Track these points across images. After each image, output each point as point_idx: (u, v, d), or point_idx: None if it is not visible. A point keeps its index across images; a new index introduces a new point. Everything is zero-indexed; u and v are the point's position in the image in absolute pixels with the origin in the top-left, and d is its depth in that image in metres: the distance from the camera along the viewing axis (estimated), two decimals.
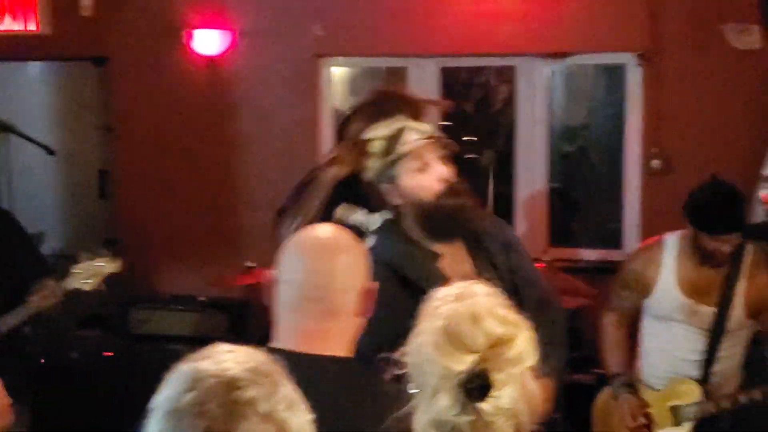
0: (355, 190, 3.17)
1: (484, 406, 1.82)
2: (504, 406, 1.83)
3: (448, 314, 1.89)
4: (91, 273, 4.31)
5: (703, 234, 4.01)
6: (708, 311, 4.13)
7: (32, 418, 4.54)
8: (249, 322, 6.39)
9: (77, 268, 4.30)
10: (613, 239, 6.63)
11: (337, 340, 2.27)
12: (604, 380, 4.45)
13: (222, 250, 6.81)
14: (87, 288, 4.32)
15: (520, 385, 1.86)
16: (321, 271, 2.26)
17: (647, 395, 4.26)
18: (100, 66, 7.12)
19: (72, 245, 6.99)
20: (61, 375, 5.83)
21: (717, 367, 4.17)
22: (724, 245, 4.00)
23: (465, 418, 1.82)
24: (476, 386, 1.81)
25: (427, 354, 1.86)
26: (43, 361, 5.54)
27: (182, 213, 6.99)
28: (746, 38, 6.03)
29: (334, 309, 2.26)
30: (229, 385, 1.55)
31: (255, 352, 1.66)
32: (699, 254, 4.07)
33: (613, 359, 4.38)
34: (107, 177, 7.17)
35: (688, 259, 4.14)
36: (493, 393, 1.82)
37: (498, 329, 1.85)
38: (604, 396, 4.42)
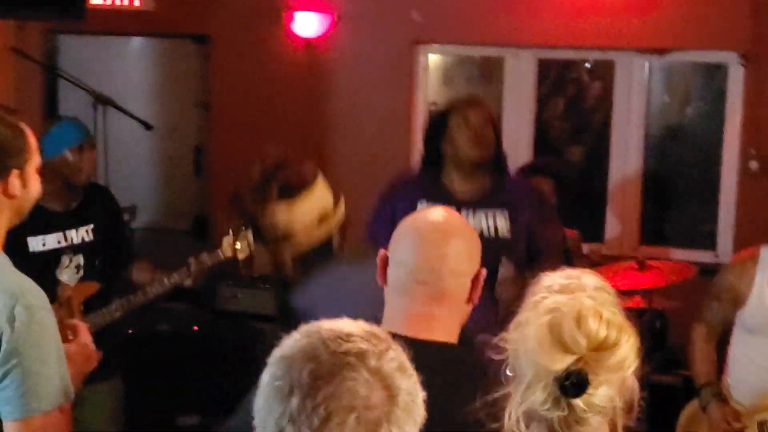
0: None
1: (578, 402, 1.80)
2: (598, 404, 1.81)
3: (553, 309, 1.85)
4: (245, 242, 4.37)
5: None
6: None
7: (124, 388, 4.63)
8: None
9: (229, 238, 4.37)
10: (707, 240, 6.54)
11: (444, 326, 2.24)
12: (690, 384, 4.38)
13: None
14: (242, 256, 4.38)
15: (618, 385, 1.83)
16: (432, 254, 2.23)
17: (738, 408, 4.19)
18: (201, 44, 7.21)
19: (164, 220, 7.11)
20: (149, 346, 5.93)
21: None
22: None
23: (557, 413, 1.81)
24: (572, 384, 1.79)
25: (527, 347, 1.84)
26: (131, 331, 5.63)
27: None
28: None
29: (443, 293, 2.23)
30: (342, 337, 1.58)
31: (376, 326, 1.68)
32: None
33: (701, 369, 4.31)
34: (202, 154, 7.27)
35: None
36: (589, 391, 1.80)
37: (602, 332, 1.81)
38: (691, 407, 4.36)
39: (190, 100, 7.29)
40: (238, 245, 4.33)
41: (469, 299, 2.28)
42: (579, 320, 1.82)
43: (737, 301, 4.17)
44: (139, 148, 7.18)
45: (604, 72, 6.78)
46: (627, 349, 1.82)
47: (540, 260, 4.02)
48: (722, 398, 4.20)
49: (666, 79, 6.86)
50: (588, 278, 1.93)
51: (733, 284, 4.19)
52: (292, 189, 4.13)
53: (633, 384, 1.87)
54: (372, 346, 1.58)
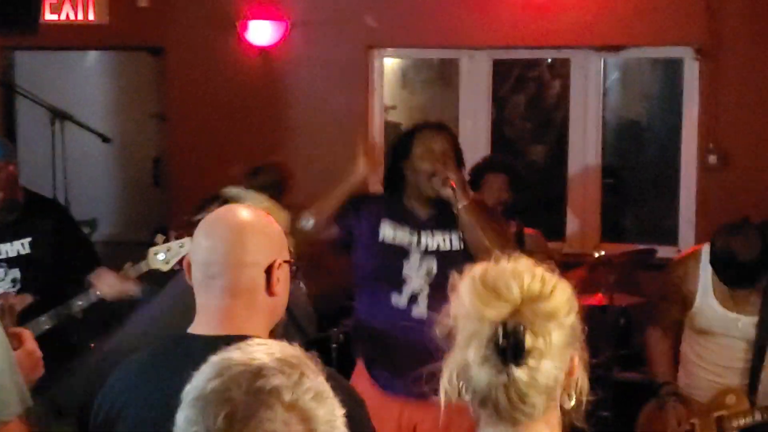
0: None
1: (520, 372, 1.78)
2: (541, 381, 1.80)
3: (489, 268, 1.89)
4: (171, 253, 4.32)
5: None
6: (749, 321, 4.07)
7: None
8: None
9: (157, 249, 4.32)
10: (668, 236, 6.57)
11: (245, 320, 2.23)
12: (652, 382, 4.40)
13: None
14: (166, 268, 4.33)
15: (563, 362, 1.83)
16: (219, 247, 2.23)
17: (695, 405, 4.21)
18: (156, 55, 7.19)
19: (125, 232, 7.07)
20: None
21: (762, 377, 4.11)
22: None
23: (498, 380, 1.79)
24: (510, 343, 1.78)
25: (464, 301, 1.85)
26: (93, 346, 5.58)
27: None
28: None
29: (234, 286, 2.22)
30: (255, 374, 1.55)
31: (287, 345, 1.65)
32: None
33: (659, 369, 4.34)
34: (161, 165, 7.24)
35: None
36: (530, 360, 1.79)
37: (535, 284, 1.83)
38: (650, 406, 4.38)
39: (147, 112, 7.27)
40: (162, 256, 4.27)
41: (269, 291, 2.26)
42: (514, 273, 1.85)
43: (685, 301, 4.20)
44: (98, 162, 7.14)
45: (563, 69, 6.81)
46: (560, 300, 1.84)
47: None
48: (680, 397, 4.22)
49: (622, 76, 6.89)
50: (521, 257, 1.94)
51: (679, 284, 4.22)
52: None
53: (583, 378, 1.87)
54: (286, 378, 1.55)
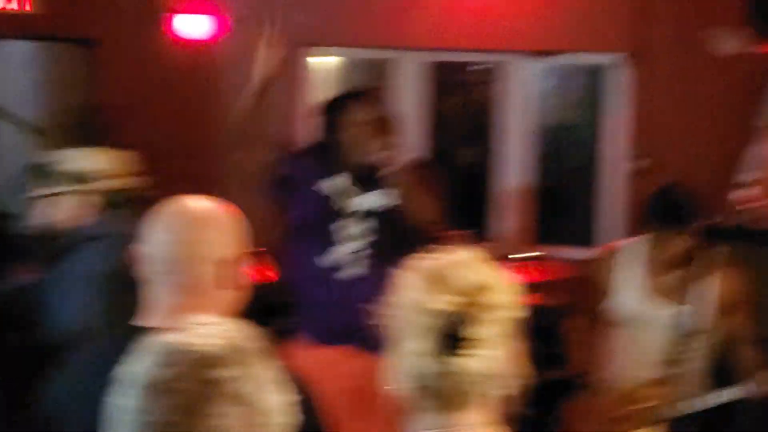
0: None
1: (464, 362, 1.81)
2: (480, 370, 1.82)
3: (432, 260, 1.91)
4: None
5: (651, 231, 4.10)
6: (672, 312, 4.14)
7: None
8: None
9: None
10: (594, 238, 6.64)
11: (203, 315, 2.19)
12: (573, 380, 4.45)
13: None
14: None
15: (505, 350, 1.85)
16: (179, 242, 2.18)
17: (616, 398, 4.27)
18: (87, 47, 7.10)
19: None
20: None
21: (684, 368, 4.18)
22: (671, 242, 4.05)
23: (438, 369, 1.81)
24: (454, 333, 1.80)
25: (407, 291, 1.87)
26: None
27: (162, 193, 6.96)
28: (730, 43, 6.05)
29: (194, 282, 2.18)
30: (203, 364, 1.54)
31: (239, 329, 1.64)
32: (658, 255, 4.11)
33: (581, 363, 4.39)
34: None
35: (652, 260, 4.17)
36: (473, 350, 1.81)
37: (479, 276, 1.86)
38: (572, 399, 4.43)
39: (77, 104, 7.17)
40: None
41: (229, 286, 2.22)
42: (457, 265, 1.87)
43: (605, 292, 4.27)
44: (27, 153, 7.03)
45: (498, 74, 6.86)
46: (503, 293, 1.87)
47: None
48: (602, 390, 4.27)
49: (554, 81, 6.96)
50: (466, 250, 1.97)
51: (600, 276, 4.29)
52: None
53: (525, 366, 1.90)
54: (234, 369, 1.55)
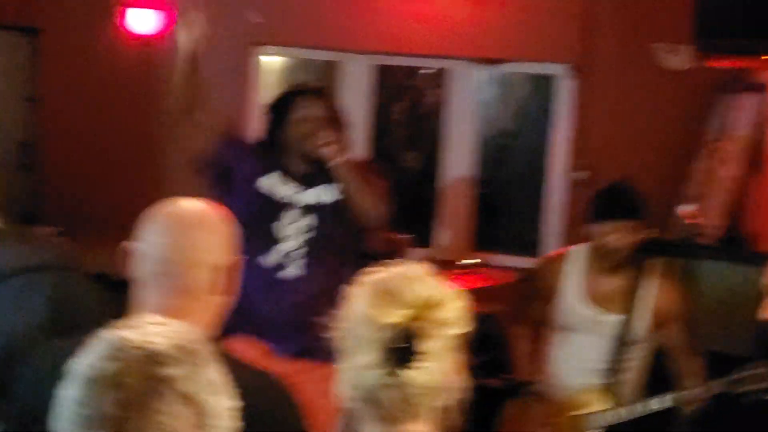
0: None
1: (409, 374, 1.82)
2: (427, 383, 1.84)
3: (384, 273, 1.91)
4: None
5: (596, 225, 4.12)
6: (612, 320, 4.19)
7: None
8: None
9: None
10: (536, 248, 6.70)
11: (194, 319, 2.13)
12: (514, 386, 4.48)
13: None
14: None
15: (449, 363, 1.86)
16: (174, 244, 2.17)
17: (555, 404, 4.31)
18: (30, 36, 7.01)
19: None
20: None
21: (622, 376, 4.23)
22: (615, 235, 4.08)
23: (385, 381, 1.82)
24: (402, 347, 1.81)
25: (357, 305, 1.88)
26: None
27: (106, 189, 6.91)
28: (676, 58, 6.13)
29: (187, 285, 2.17)
30: (151, 360, 1.52)
31: (184, 327, 1.62)
32: (602, 259, 4.16)
33: (521, 368, 4.42)
34: (29, 149, 7.06)
35: (592, 268, 4.22)
36: (418, 362, 1.82)
37: (429, 291, 1.87)
38: (512, 404, 4.46)
39: (18, 95, 7.07)
40: None
41: (221, 291, 2.23)
42: (407, 279, 1.88)
43: (549, 299, 4.30)
44: None
45: (442, 79, 6.90)
46: (453, 309, 1.88)
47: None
48: (541, 396, 4.31)
49: (498, 89, 7.01)
50: (418, 265, 1.98)
51: (544, 281, 4.33)
52: None
53: (465, 378, 1.92)
54: (183, 368, 1.53)
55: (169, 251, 2.17)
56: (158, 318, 1.64)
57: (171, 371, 1.51)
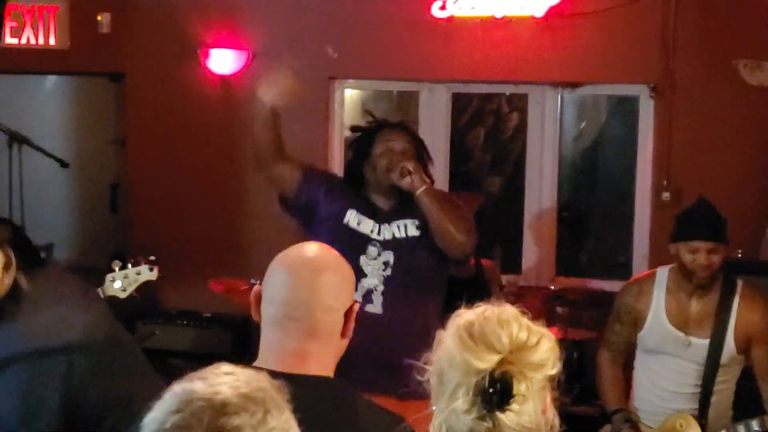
0: None
1: (504, 417, 1.82)
2: (524, 424, 1.84)
3: (475, 316, 1.91)
4: (127, 281, 4.27)
5: (679, 245, 4.08)
6: (700, 344, 4.13)
7: None
8: (252, 339, 6.41)
9: (114, 276, 4.27)
10: (622, 271, 6.63)
11: (318, 361, 2.21)
12: (606, 414, 4.44)
13: (230, 267, 6.82)
14: (123, 296, 4.28)
15: (541, 402, 1.86)
16: (303, 289, 2.21)
17: (646, 431, 4.26)
18: (116, 81, 7.18)
19: (82, 258, 7.03)
20: None
21: (712, 400, 4.17)
22: (699, 256, 4.04)
23: (479, 424, 1.82)
24: (497, 391, 1.81)
25: (450, 350, 1.87)
26: None
27: (190, 228, 7.03)
28: (758, 74, 6.06)
29: (314, 329, 2.20)
30: (217, 410, 1.52)
31: (254, 375, 1.63)
32: (686, 281, 4.12)
33: (610, 395, 4.37)
34: (118, 191, 7.22)
35: (678, 290, 4.18)
36: (514, 405, 1.83)
37: (522, 334, 1.87)
38: (607, 430, 4.41)
39: (105, 138, 7.24)
40: (119, 284, 4.24)
41: (343, 334, 2.27)
42: (500, 322, 1.88)
43: (637, 322, 4.25)
44: (55, 186, 7.11)
45: (521, 103, 6.89)
46: (547, 350, 1.89)
47: None
48: (633, 424, 4.26)
49: (579, 112, 6.97)
50: (507, 305, 1.98)
51: (632, 305, 4.27)
52: None
53: (554, 414, 1.92)
54: (249, 417, 1.52)
55: (300, 296, 2.21)
56: (228, 367, 1.64)
57: (237, 421, 1.51)
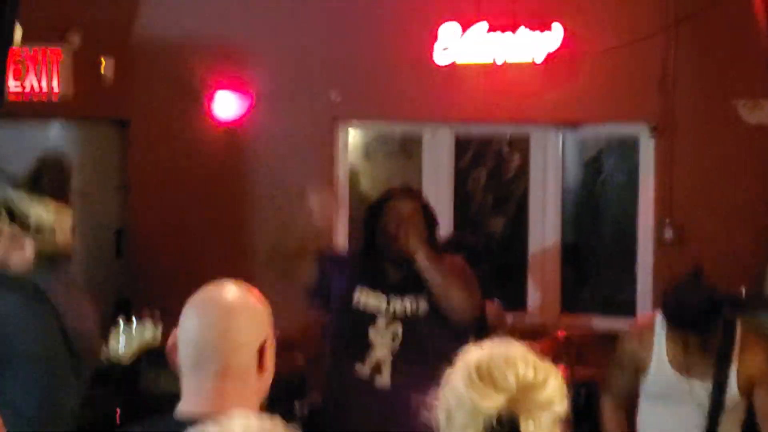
0: None
1: None
2: None
3: (482, 355, 1.92)
4: (131, 341, 4.31)
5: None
6: (703, 388, 4.11)
7: None
8: None
9: (117, 334, 4.30)
10: (626, 308, 6.64)
11: (238, 400, 2.19)
12: None
13: None
14: (126, 361, 4.32)
15: None
16: (212, 328, 2.22)
17: None
18: (121, 127, 7.22)
19: None
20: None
21: None
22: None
23: None
24: (505, 431, 1.82)
25: (458, 390, 1.88)
26: None
27: (195, 273, 7.00)
28: (757, 113, 6.09)
29: (227, 368, 2.21)
30: None
31: (266, 419, 1.65)
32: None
33: None
34: (123, 236, 7.24)
35: (678, 336, 4.15)
36: None
37: (530, 373, 1.87)
38: None
39: (110, 183, 7.27)
40: (122, 345, 4.27)
41: (260, 370, 2.26)
42: (507, 361, 1.88)
43: (639, 369, 4.23)
44: None
45: (522, 144, 6.93)
46: (554, 388, 1.89)
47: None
48: None
49: (580, 152, 7.00)
50: (513, 343, 1.99)
51: (634, 351, 4.25)
52: None
53: None
54: None
55: (209, 337, 2.22)
56: (244, 413, 1.67)
57: None
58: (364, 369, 4.06)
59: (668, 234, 6.37)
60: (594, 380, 5.71)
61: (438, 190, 6.84)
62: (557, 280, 6.79)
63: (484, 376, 1.87)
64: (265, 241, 6.88)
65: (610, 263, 7.00)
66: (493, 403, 1.84)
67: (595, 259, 7.07)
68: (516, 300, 6.69)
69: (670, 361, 4.15)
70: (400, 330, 4.08)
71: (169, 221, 7.11)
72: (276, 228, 6.87)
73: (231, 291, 2.32)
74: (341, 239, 6.93)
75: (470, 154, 7.08)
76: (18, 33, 5.29)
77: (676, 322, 4.03)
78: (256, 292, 2.34)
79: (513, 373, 1.87)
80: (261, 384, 2.28)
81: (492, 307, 5.70)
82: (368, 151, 7.27)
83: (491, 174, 7.11)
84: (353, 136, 7.16)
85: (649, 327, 4.24)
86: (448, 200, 6.87)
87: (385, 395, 4.02)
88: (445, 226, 6.56)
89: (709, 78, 6.27)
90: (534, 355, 1.93)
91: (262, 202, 6.98)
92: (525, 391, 1.85)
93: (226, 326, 2.22)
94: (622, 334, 4.51)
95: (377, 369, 4.05)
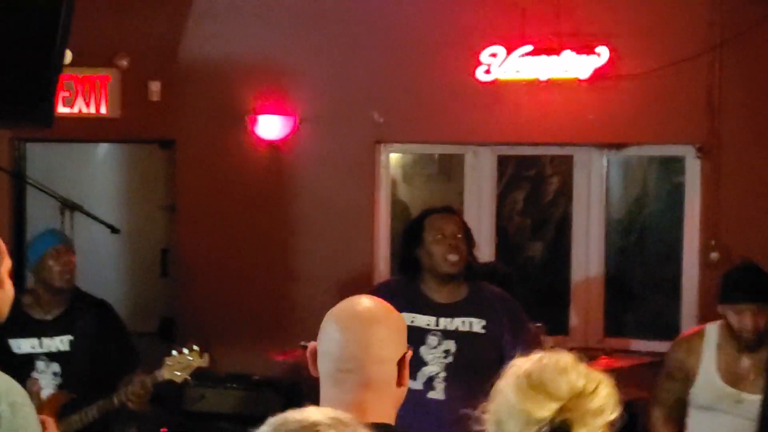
0: None
1: None
2: None
3: (533, 365, 1.93)
4: (182, 366, 4.42)
5: (726, 308, 4.08)
6: (753, 399, 4.09)
7: None
8: (301, 401, 6.41)
9: (170, 361, 4.41)
10: (671, 331, 6.58)
11: (376, 411, 2.23)
12: None
13: (278, 330, 6.88)
14: (178, 380, 4.44)
15: None
16: (355, 341, 2.25)
17: None
18: (166, 148, 7.30)
19: (131, 323, 7.09)
20: None
21: None
22: (745, 318, 4.02)
23: None
24: None
25: (510, 400, 1.89)
26: None
27: (239, 292, 7.08)
28: None
29: (369, 381, 2.24)
30: (309, 428, 1.59)
31: (341, 411, 1.70)
32: (734, 338, 4.10)
33: None
34: (168, 255, 7.30)
35: (728, 346, 4.15)
36: None
37: (581, 381, 1.88)
38: None
39: (156, 203, 7.35)
40: (177, 373, 4.38)
41: (399, 383, 2.29)
42: (558, 370, 1.90)
43: (688, 379, 4.22)
44: (106, 252, 7.20)
45: (562, 166, 6.91)
46: (606, 396, 1.90)
47: None
48: None
49: (624, 173, 6.97)
50: (563, 352, 2.00)
51: (683, 361, 4.25)
52: None
53: None
54: (341, 429, 1.59)
55: (352, 349, 2.25)
56: (315, 407, 1.70)
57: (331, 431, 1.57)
58: (416, 383, 4.08)
59: (714, 256, 6.33)
60: (637, 402, 5.68)
61: (479, 212, 6.84)
62: (600, 303, 6.75)
63: (536, 384, 1.88)
64: (308, 258, 6.93)
65: (654, 286, 6.96)
66: (546, 411, 1.84)
67: (639, 282, 7.02)
68: (558, 324, 6.66)
69: (719, 372, 4.14)
70: (453, 346, 4.11)
71: (214, 241, 7.16)
72: (319, 247, 6.93)
73: (372, 304, 2.35)
74: (382, 262, 6.95)
75: (510, 175, 7.07)
76: (68, 57, 5.38)
77: (739, 294, 4.06)
78: (391, 307, 2.37)
79: (565, 380, 1.87)
80: (398, 395, 2.31)
81: (534, 330, 5.69)
82: (407, 174, 7.28)
83: (529, 196, 7.09)
84: (393, 158, 7.17)
85: (698, 337, 4.24)
86: (490, 223, 6.86)
87: (440, 406, 4.05)
88: (487, 251, 6.58)
89: (755, 98, 6.24)
90: (584, 364, 1.93)
91: (306, 221, 7.01)
92: (577, 399, 1.86)
93: (369, 340, 2.25)
94: (672, 343, 4.50)
95: (429, 383, 4.08)
